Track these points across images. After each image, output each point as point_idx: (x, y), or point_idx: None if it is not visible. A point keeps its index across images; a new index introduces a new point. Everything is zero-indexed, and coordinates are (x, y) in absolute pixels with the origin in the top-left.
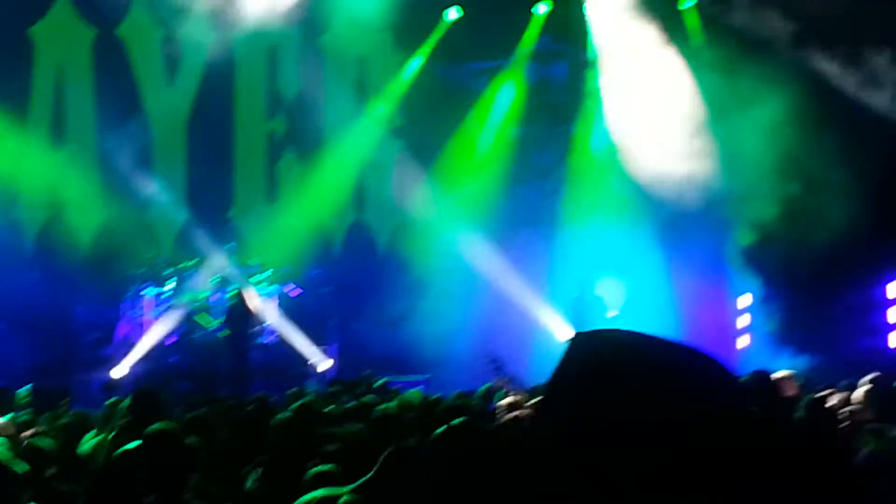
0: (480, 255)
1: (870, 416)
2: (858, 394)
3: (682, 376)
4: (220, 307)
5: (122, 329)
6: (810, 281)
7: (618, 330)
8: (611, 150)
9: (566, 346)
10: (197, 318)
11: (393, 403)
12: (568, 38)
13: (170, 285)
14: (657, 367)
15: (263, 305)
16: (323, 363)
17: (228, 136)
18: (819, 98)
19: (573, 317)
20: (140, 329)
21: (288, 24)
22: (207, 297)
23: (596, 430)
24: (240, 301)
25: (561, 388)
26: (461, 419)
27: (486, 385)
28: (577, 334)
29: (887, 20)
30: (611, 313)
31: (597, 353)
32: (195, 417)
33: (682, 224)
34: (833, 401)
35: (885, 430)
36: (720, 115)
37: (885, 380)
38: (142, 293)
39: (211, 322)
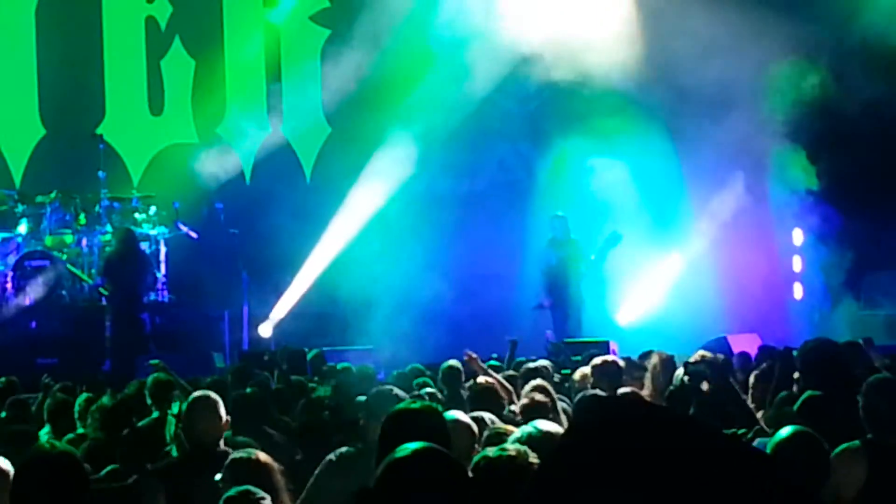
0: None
1: None
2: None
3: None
4: (93, 255)
5: None
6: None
7: (626, 400)
8: None
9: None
10: (64, 270)
11: None
12: None
13: (22, 227)
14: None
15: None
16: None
17: (94, 24)
18: None
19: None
20: None
21: None
22: (74, 242)
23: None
24: (122, 245)
25: (567, 457)
26: None
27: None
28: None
29: None
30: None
31: (604, 424)
32: None
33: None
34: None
35: None
36: None
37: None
38: None
39: (82, 275)
